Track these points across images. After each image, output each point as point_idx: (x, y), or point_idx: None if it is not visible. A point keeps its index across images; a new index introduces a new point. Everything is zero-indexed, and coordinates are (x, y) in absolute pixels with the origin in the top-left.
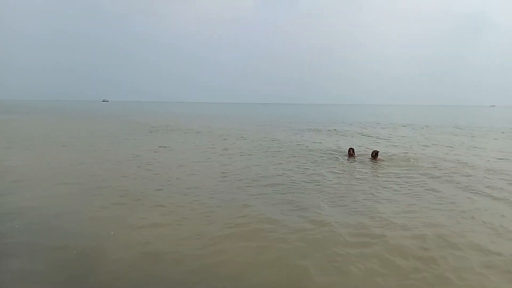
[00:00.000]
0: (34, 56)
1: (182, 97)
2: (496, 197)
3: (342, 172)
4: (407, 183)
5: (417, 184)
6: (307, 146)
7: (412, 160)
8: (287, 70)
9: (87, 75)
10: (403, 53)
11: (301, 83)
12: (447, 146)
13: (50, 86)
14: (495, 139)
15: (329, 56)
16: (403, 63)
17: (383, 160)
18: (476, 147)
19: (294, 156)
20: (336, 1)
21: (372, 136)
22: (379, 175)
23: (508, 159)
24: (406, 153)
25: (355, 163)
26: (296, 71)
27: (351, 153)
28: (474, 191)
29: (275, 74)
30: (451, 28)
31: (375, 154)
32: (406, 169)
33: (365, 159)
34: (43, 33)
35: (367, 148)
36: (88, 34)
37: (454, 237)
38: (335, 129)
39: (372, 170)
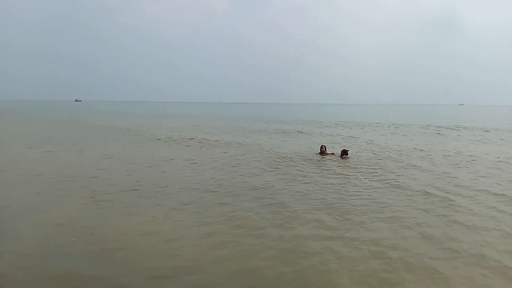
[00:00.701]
0: (3, 54)
1: (152, 97)
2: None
3: (303, 170)
4: (360, 185)
5: (372, 186)
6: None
7: (379, 160)
8: (248, 73)
9: (61, 75)
10: (374, 58)
11: (265, 85)
12: (418, 150)
13: (20, 85)
14: (458, 136)
15: (293, 59)
16: (374, 67)
17: (349, 160)
18: (443, 148)
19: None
20: (307, 6)
21: (337, 135)
22: (334, 174)
23: (465, 159)
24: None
25: (324, 161)
26: (258, 74)
27: (323, 150)
28: (417, 192)
29: (241, 79)
30: (423, 26)
31: (344, 153)
32: (368, 169)
33: (335, 158)
34: (13, 32)
35: (341, 146)
36: (59, 32)
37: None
38: (307, 129)
39: (332, 168)
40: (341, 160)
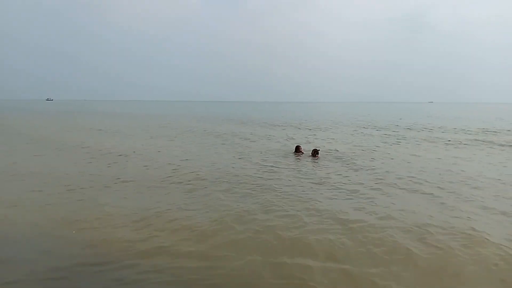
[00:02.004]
0: None
1: (128, 95)
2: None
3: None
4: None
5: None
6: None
7: (349, 157)
8: (232, 69)
9: (31, 74)
10: (350, 56)
11: (247, 82)
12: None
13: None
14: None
15: (274, 55)
16: (349, 64)
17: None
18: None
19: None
20: (284, 3)
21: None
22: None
23: (420, 157)
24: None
25: (297, 160)
26: (241, 70)
27: (299, 150)
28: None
29: (222, 73)
30: (394, 33)
31: (314, 152)
32: (338, 167)
33: (307, 157)
34: None
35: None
36: (28, 31)
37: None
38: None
39: (299, 166)
40: (311, 159)
